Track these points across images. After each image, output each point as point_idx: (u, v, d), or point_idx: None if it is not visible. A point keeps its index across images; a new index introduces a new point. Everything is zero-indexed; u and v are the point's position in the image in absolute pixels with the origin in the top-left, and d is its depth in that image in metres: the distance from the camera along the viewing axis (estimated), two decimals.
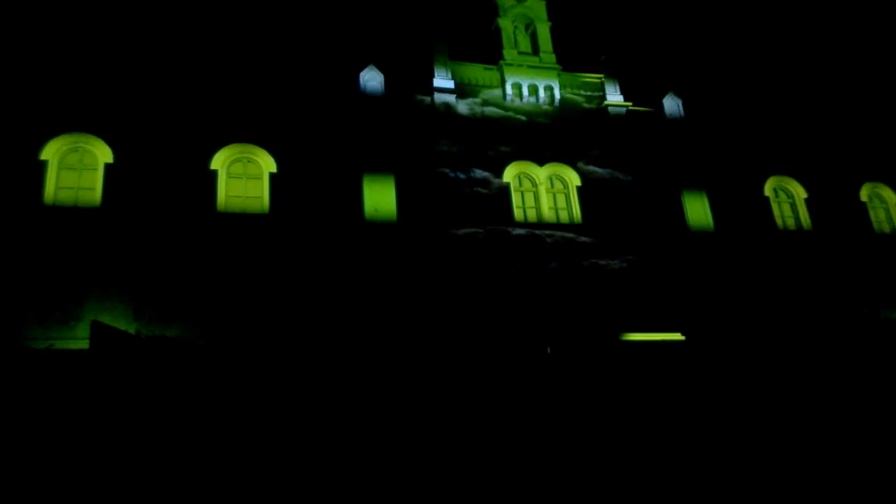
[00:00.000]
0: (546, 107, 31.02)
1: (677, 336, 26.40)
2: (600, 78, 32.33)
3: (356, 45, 30.63)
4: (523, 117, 30.44)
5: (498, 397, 17.20)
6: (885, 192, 34.92)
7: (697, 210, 30.66)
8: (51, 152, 23.87)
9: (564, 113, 31.18)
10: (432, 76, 29.78)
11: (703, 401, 18.19)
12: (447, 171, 28.34)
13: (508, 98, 30.52)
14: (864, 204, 34.13)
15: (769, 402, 17.89)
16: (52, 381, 16.50)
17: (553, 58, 31.80)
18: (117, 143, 24.57)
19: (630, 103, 31.99)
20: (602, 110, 31.74)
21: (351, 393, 17.11)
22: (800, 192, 33.13)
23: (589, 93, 32.05)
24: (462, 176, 28.34)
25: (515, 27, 32.37)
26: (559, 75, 31.58)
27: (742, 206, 31.86)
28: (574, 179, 30.03)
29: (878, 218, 34.33)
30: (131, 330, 21.43)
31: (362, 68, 28.64)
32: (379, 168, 27.27)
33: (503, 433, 15.39)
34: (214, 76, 26.83)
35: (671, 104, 32.52)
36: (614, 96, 32.13)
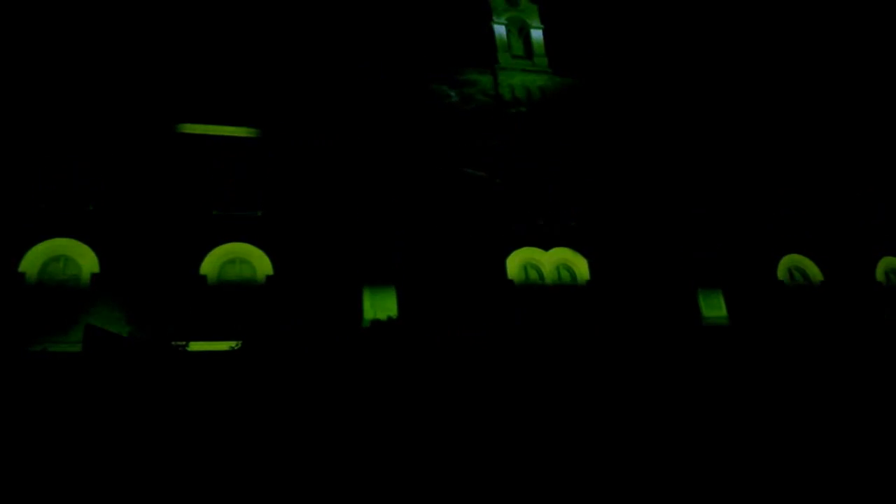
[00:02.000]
0: (539, 109, 31.08)
1: None
2: (593, 81, 32.52)
3: (352, 47, 30.62)
4: (517, 119, 30.49)
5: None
6: None
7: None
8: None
9: (558, 115, 31.20)
10: (427, 79, 29.88)
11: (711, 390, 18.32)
12: (441, 171, 28.49)
13: (502, 101, 30.59)
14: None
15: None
16: (46, 385, 16.50)
17: (545, 61, 31.97)
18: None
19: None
20: (597, 114, 31.85)
21: (344, 395, 17.19)
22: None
23: (582, 97, 32.14)
24: (455, 175, 28.50)
25: (509, 31, 32.53)
26: (552, 79, 31.71)
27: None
28: (569, 181, 30.19)
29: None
30: (124, 333, 21.42)
31: (359, 73, 28.79)
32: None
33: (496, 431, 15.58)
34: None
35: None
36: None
